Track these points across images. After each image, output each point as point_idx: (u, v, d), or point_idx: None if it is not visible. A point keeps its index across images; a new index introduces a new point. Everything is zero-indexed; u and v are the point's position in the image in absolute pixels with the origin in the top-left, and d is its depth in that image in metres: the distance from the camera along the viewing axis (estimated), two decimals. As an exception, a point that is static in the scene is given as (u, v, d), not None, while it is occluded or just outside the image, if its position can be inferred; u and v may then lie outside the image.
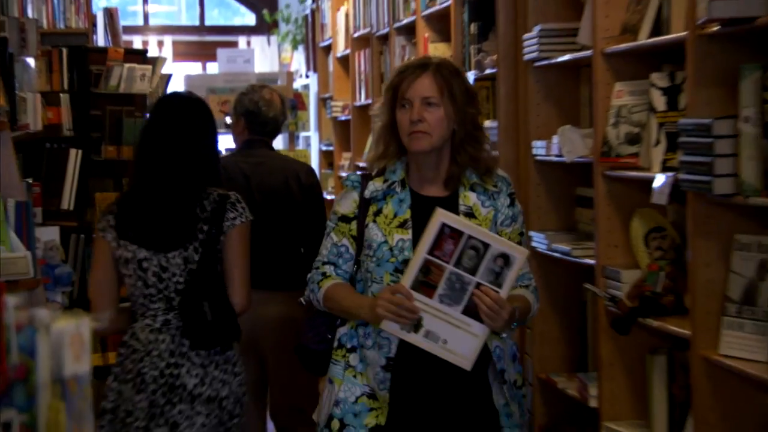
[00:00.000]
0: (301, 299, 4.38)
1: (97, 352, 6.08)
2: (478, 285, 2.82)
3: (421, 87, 3.01)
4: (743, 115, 3.54)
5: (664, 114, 4.22)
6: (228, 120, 6.69)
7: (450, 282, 2.82)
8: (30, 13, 7.95)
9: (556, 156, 4.98)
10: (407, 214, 3.08)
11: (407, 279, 2.87)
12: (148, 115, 6.24)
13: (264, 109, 5.84)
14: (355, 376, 3.05)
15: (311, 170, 6.41)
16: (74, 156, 6.83)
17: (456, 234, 2.82)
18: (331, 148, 10.54)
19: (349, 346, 3.09)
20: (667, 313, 4.05)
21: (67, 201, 6.76)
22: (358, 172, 3.36)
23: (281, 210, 5.66)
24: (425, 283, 2.81)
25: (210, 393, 3.79)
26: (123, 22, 10.60)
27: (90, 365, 2.27)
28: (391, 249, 3.04)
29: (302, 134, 11.05)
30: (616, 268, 4.35)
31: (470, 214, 3.06)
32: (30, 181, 5.34)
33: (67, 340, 2.45)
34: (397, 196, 3.11)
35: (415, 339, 2.82)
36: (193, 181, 4.17)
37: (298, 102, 10.40)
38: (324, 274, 3.17)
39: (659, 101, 4.24)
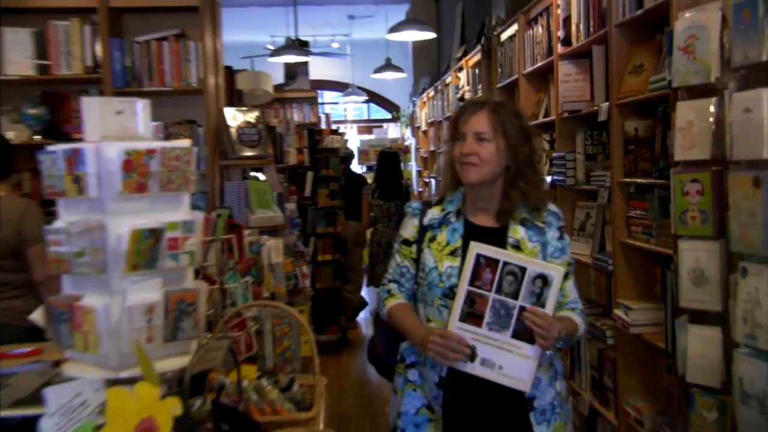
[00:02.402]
0: (370, 311, 5.83)
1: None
2: (522, 308, 2.56)
3: (475, 122, 2.70)
4: (577, 151, 4.74)
5: (548, 151, 5.50)
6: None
7: (495, 309, 2.57)
8: (293, 116, 10.62)
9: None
10: (458, 243, 2.77)
11: (455, 314, 2.63)
12: (378, 157, 9.33)
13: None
14: (414, 390, 2.81)
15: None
16: (310, 174, 9.49)
17: (492, 262, 2.59)
18: (419, 169, 13.21)
19: (408, 361, 2.85)
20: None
21: (307, 191, 9.40)
22: (421, 201, 3.04)
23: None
24: (472, 314, 2.57)
25: None
26: (333, 118, 14.35)
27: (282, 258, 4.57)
28: (440, 275, 2.74)
29: (409, 164, 13.60)
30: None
31: (517, 247, 2.71)
32: (286, 184, 7.70)
33: (273, 247, 4.73)
34: (451, 225, 2.81)
35: (472, 368, 2.58)
36: (399, 179, 8.60)
37: (406, 150, 13.58)
38: (389, 292, 2.94)
39: (546, 145, 5.56)
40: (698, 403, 3.04)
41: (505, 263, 2.60)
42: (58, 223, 1.97)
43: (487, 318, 2.58)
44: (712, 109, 2.91)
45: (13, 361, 2.96)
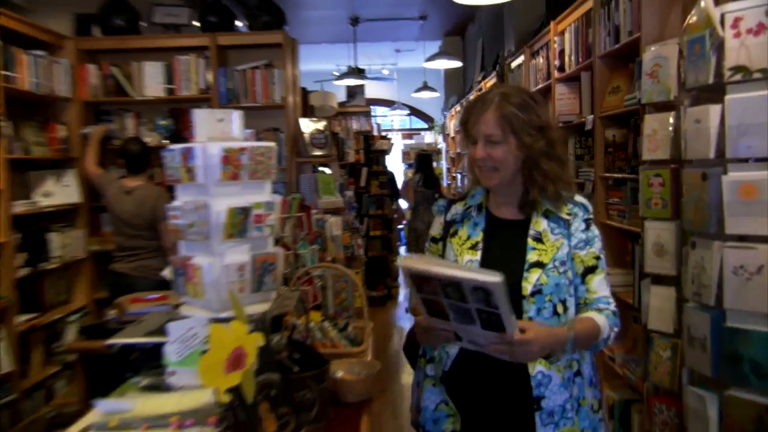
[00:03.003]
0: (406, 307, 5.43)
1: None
2: (479, 310, 1.78)
3: (483, 125, 2.02)
4: (569, 152, 4.53)
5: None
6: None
7: (454, 309, 1.83)
8: (352, 125, 10.23)
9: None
10: (479, 237, 2.12)
11: (423, 312, 1.93)
12: (417, 157, 9.31)
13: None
14: (433, 385, 2.16)
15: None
16: (365, 169, 9.54)
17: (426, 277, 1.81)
18: (449, 167, 12.38)
19: (427, 356, 2.21)
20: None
21: (362, 182, 9.33)
22: (446, 198, 2.34)
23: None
24: (437, 313, 1.86)
25: None
26: (383, 127, 14.24)
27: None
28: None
29: (441, 162, 12.97)
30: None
31: (539, 239, 2.05)
32: (346, 176, 7.84)
33: (333, 223, 5.13)
34: (473, 219, 2.17)
35: (466, 345, 1.94)
36: (434, 173, 8.12)
37: (438, 152, 13.15)
38: None
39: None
40: (656, 344, 3.03)
41: (437, 278, 1.80)
42: (176, 203, 2.01)
43: (451, 316, 1.84)
44: (671, 120, 2.90)
45: (147, 304, 3.00)
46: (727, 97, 2.45)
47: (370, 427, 1.73)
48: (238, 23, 5.98)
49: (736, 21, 2.42)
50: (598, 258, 2.07)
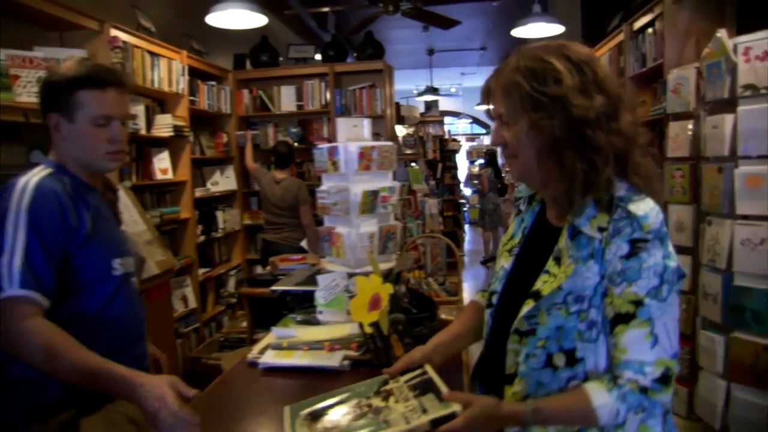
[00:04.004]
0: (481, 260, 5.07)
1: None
2: None
3: (493, 100, 1.13)
4: None
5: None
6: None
7: None
8: (429, 130, 9.64)
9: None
10: (517, 239, 1.22)
11: None
12: (486, 153, 8.86)
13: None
14: None
15: None
16: (440, 165, 9.22)
17: None
18: (503, 163, 12.69)
19: None
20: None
21: (438, 174, 9.03)
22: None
23: None
24: None
25: None
26: (452, 132, 14.30)
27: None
28: (494, 275, 1.24)
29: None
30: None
31: (558, 259, 1.09)
32: (428, 170, 7.66)
33: (431, 203, 5.24)
34: (522, 215, 1.26)
35: None
36: (498, 166, 7.48)
37: (495, 151, 13.88)
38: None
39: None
40: (676, 299, 2.96)
41: None
42: (323, 187, 2.01)
43: None
44: (690, 126, 2.82)
45: (292, 263, 3.06)
46: (739, 109, 2.39)
47: (468, 357, 1.72)
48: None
49: (747, 50, 2.38)
50: (638, 303, 1.01)
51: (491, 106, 1.15)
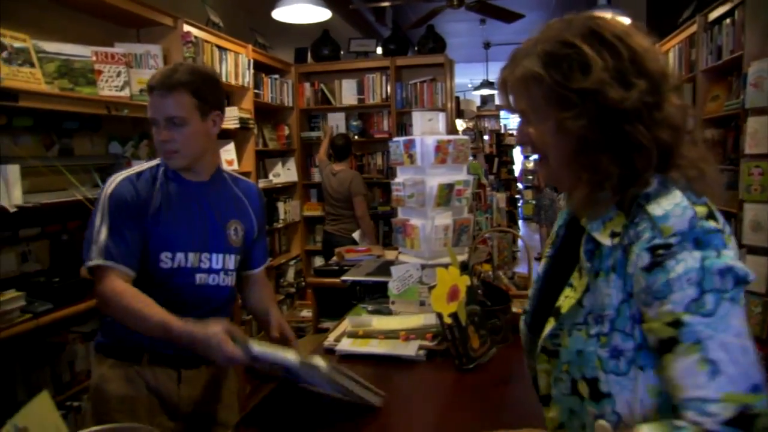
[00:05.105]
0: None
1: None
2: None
3: (513, 96, 0.91)
4: None
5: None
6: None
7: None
8: (485, 124, 9.67)
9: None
10: (553, 239, 1.05)
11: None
12: None
13: None
14: None
15: None
16: (496, 159, 8.98)
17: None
18: None
19: None
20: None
21: (494, 169, 8.77)
22: None
23: None
24: None
25: None
26: (508, 126, 14.29)
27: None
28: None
29: None
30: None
31: (581, 269, 0.90)
32: (486, 164, 8.33)
33: (499, 198, 5.22)
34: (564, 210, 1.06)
35: None
36: None
37: None
38: None
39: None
40: (750, 302, 2.84)
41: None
42: (398, 180, 2.04)
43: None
44: (772, 121, 2.68)
45: (357, 254, 3.10)
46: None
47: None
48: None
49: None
50: (677, 324, 0.77)
51: (511, 101, 0.92)
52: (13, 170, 2.18)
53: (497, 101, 11.02)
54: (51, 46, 2.50)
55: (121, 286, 1.41)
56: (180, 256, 1.52)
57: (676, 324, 0.76)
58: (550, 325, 0.92)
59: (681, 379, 0.76)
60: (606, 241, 0.85)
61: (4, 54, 2.25)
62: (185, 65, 1.51)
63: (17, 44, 2.33)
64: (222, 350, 1.26)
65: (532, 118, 0.89)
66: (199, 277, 1.55)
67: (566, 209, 1.05)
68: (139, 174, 1.55)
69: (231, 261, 1.61)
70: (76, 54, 2.60)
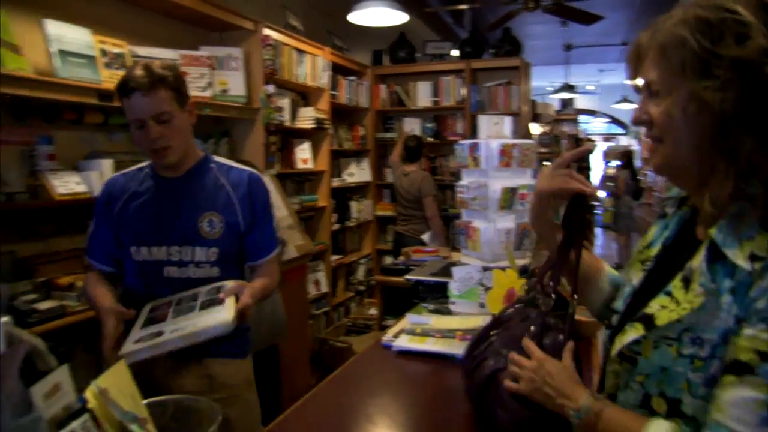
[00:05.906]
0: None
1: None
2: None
3: (644, 66, 0.81)
4: None
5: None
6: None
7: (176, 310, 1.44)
8: (564, 128, 9.41)
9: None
10: (655, 249, 0.91)
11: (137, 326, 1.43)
12: (624, 154, 8.51)
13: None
14: None
15: None
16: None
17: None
18: (641, 165, 10.96)
19: None
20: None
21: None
22: None
23: None
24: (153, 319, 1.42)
25: None
26: (588, 131, 14.07)
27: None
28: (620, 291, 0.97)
29: (635, 161, 12.83)
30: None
31: (688, 281, 0.77)
32: None
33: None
34: (666, 219, 0.93)
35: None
36: (634, 167, 6.75)
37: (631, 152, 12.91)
38: None
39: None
40: None
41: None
42: (462, 182, 2.04)
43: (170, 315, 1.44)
44: None
45: (424, 255, 3.12)
46: None
47: (599, 356, 1.66)
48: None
49: None
50: (764, 356, 0.70)
51: (639, 80, 0.81)
52: (107, 164, 2.38)
53: (576, 104, 10.73)
54: (143, 51, 2.68)
55: (91, 277, 1.61)
56: (144, 249, 1.57)
57: (763, 356, 0.69)
58: (635, 332, 0.82)
59: (730, 405, 0.71)
60: (744, 264, 0.72)
61: (105, 59, 2.44)
62: (143, 63, 1.52)
63: (116, 50, 2.52)
64: (102, 327, 1.40)
65: (660, 89, 0.79)
66: (167, 270, 1.57)
67: (676, 216, 0.92)
68: (126, 172, 1.67)
69: (203, 253, 1.56)
70: (166, 57, 2.78)
